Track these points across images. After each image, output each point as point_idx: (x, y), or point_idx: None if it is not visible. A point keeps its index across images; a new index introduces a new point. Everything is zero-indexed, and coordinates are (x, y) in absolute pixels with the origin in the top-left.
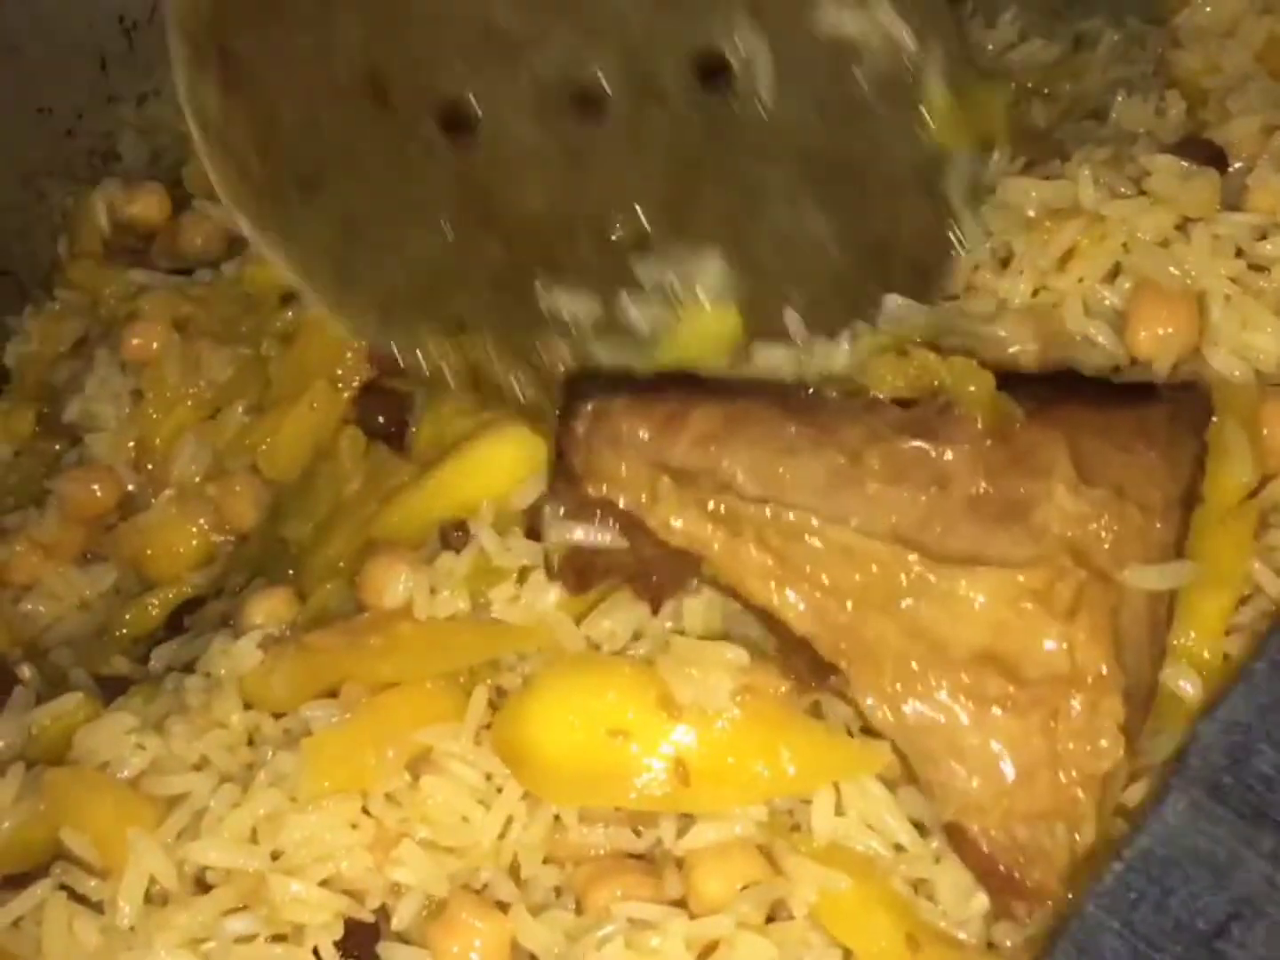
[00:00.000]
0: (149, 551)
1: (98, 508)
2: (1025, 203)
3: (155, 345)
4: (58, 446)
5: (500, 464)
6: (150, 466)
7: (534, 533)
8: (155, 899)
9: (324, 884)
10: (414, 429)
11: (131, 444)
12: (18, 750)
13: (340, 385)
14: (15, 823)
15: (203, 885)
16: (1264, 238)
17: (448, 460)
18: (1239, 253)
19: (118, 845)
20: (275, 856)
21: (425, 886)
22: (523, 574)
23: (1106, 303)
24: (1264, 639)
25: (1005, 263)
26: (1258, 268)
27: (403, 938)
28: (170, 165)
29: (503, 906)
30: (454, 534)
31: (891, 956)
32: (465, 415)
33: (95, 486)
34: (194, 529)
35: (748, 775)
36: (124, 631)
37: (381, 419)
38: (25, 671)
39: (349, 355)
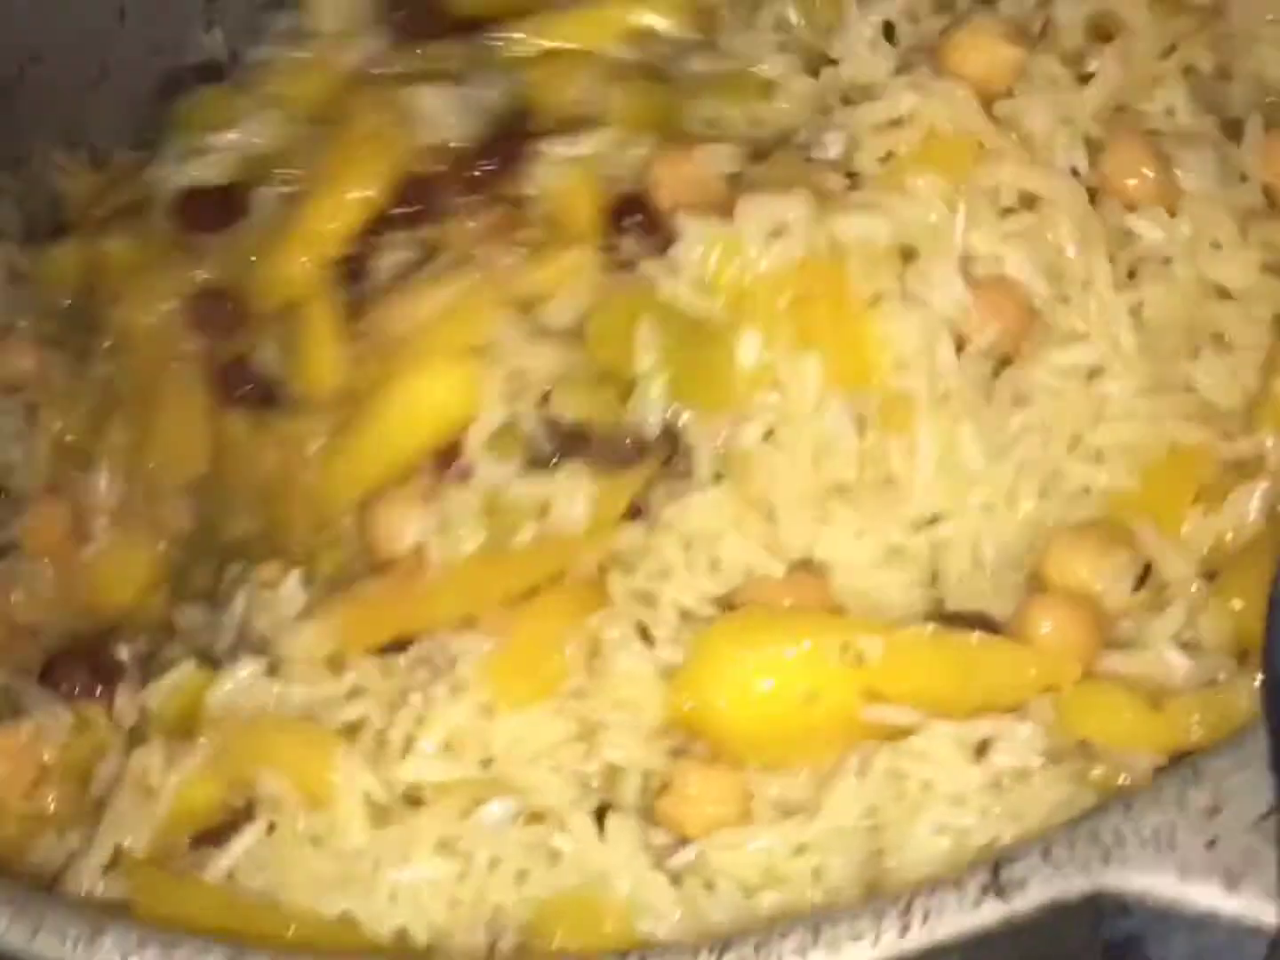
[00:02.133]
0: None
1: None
2: None
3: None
4: None
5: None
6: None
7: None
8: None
9: None
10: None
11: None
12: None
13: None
14: (182, 782)
15: (414, 803)
16: None
17: (375, 412)
18: None
19: (317, 777)
20: (485, 764)
21: (641, 764)
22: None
23: None
24: None
25: None
26: None
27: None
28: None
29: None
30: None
31: (1139, 724)
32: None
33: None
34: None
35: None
36: None
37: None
38: (124, 651)
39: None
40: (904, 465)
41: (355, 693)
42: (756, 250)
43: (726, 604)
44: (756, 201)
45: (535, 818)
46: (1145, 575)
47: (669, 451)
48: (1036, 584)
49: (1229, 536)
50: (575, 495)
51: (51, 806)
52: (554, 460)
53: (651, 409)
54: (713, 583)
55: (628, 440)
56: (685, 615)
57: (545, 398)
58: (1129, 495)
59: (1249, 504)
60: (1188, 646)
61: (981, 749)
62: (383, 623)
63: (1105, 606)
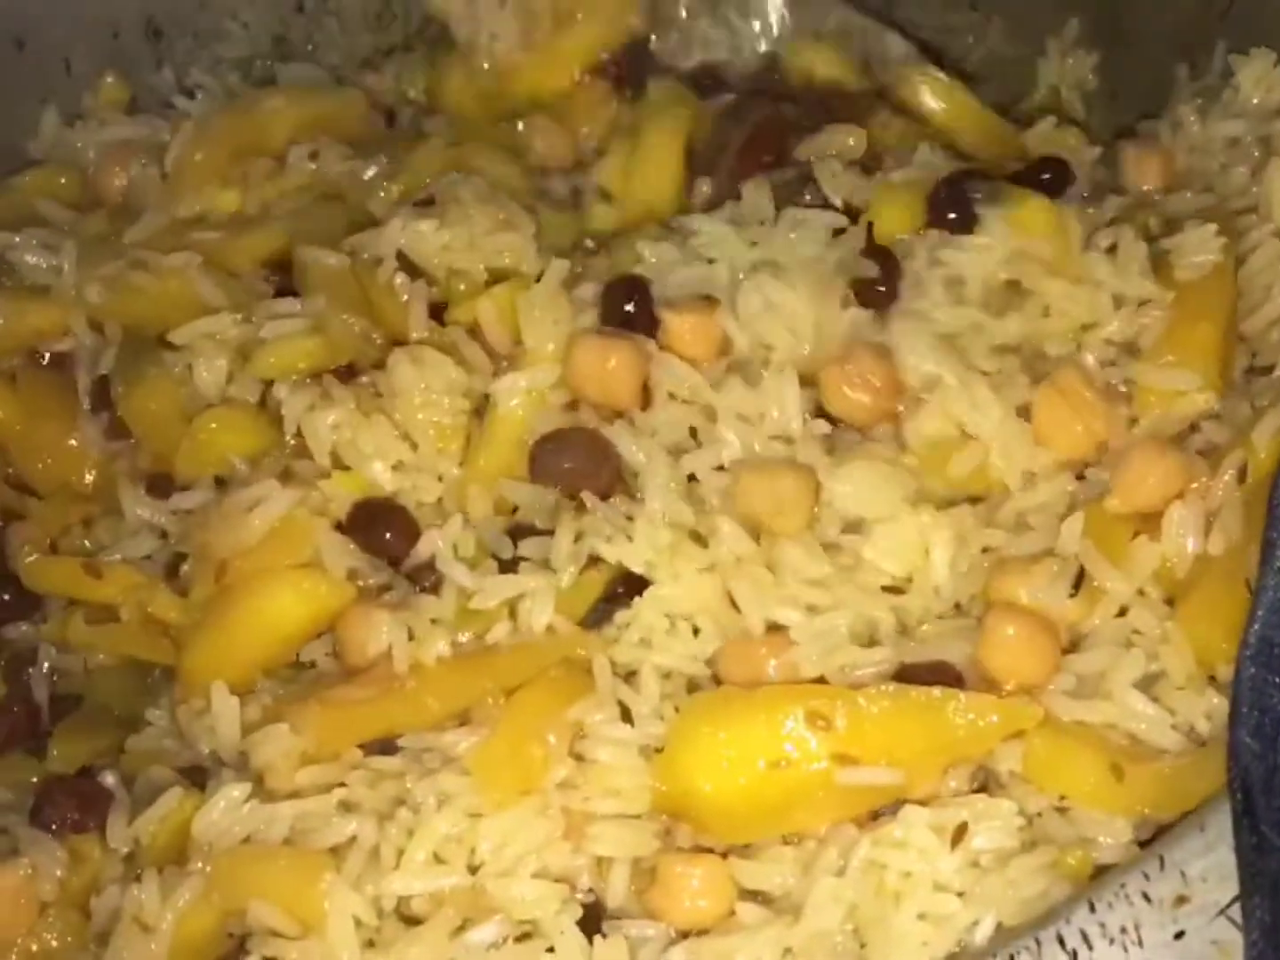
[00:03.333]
0: None
1: None
2: None
3: None
4: None
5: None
6: None
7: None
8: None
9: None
10: None
11: None
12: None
13: None
14: (177, 917)
15: (406, 919)
16: None
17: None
18: None
19: (307, 905)
20: (473, 870)
21: (630, 853)
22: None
23: None
24: None
25: None
26: None
27: (622, 912)
28: None
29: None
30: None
31: (1103, 790)
32: None
33: None
34: None
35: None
36: None
37: None
38: (109, 778)
39: None
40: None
41: (346, 807)
42: None
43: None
44: None
45: (524, 937)
46: (1080, 580)
47: None
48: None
49: (1175, 562)
50: (541, 595)
51: (54, 943)
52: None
53: None
54: (695, 647)
55: None
56: (669, 676)
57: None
58: None
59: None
60: (1151, 679)
61: (959, 833)
62: (356, 726)
63: (1050, 614)
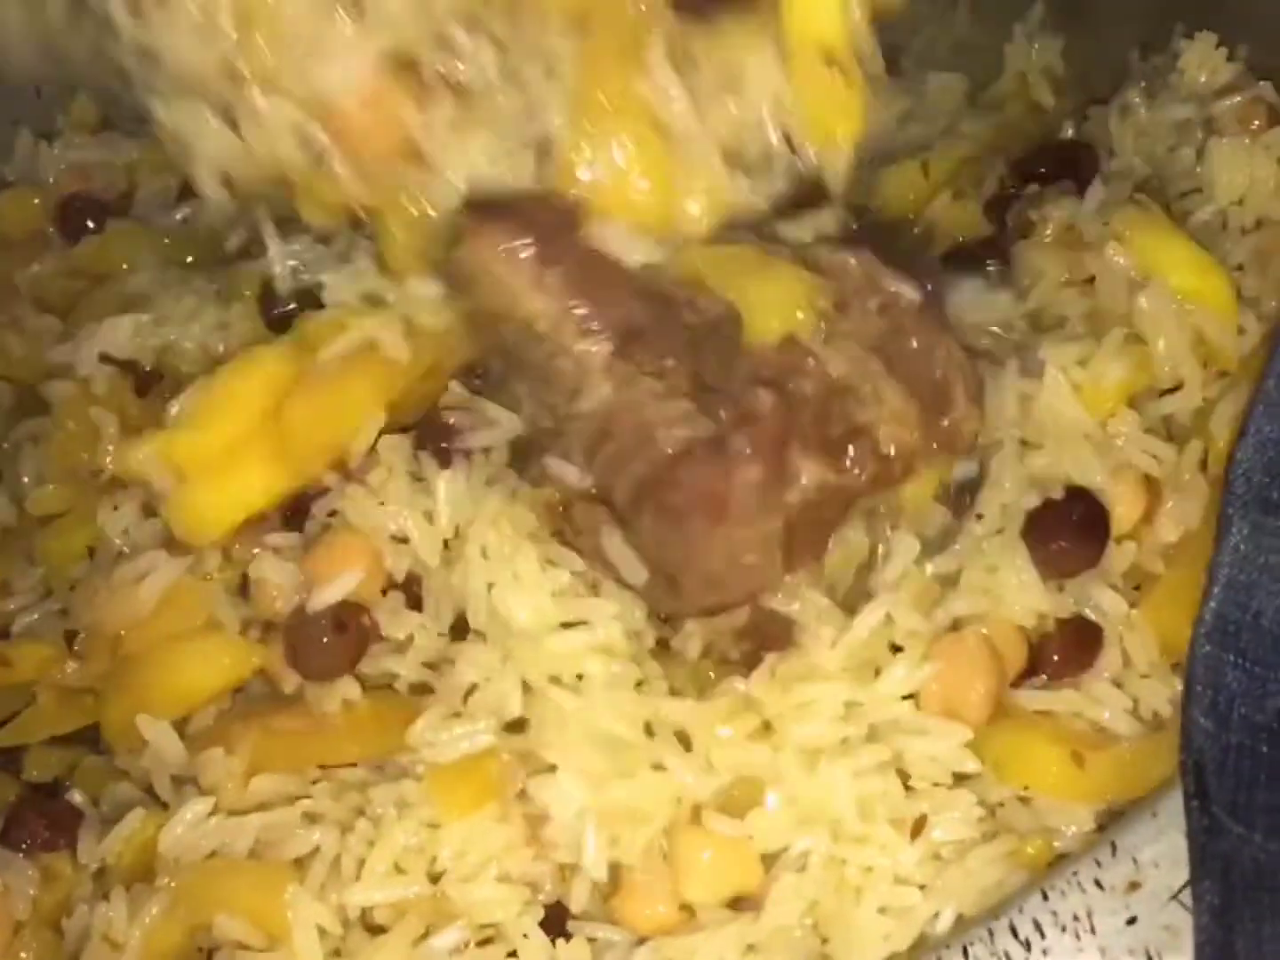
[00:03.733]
0: None
1: None
2: None
3: None
4: None
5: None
6: None
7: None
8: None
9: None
10: None
11: None
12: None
13: None
14: (145, 934)
15: (370, 928)
16: None
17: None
18: None
19: (271, 917)
20: (435, 879)
21: (592, 864)
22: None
23: None
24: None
25: None
26: None
27: (587, 916)
28: None
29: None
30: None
31: (1065, 779)
32: None
33: None
34: None
35: None
36: None
37: None
38: (77, 795)
39: None
40: None
41: (310, 818)
42: None
43: None
44: None
45: (485, 941)
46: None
47: None
48: None
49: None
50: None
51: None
52: None
53: None
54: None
55: None
56: None
57: None
58: None
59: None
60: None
61: (919, 825)
62: (293, 755)
63: None
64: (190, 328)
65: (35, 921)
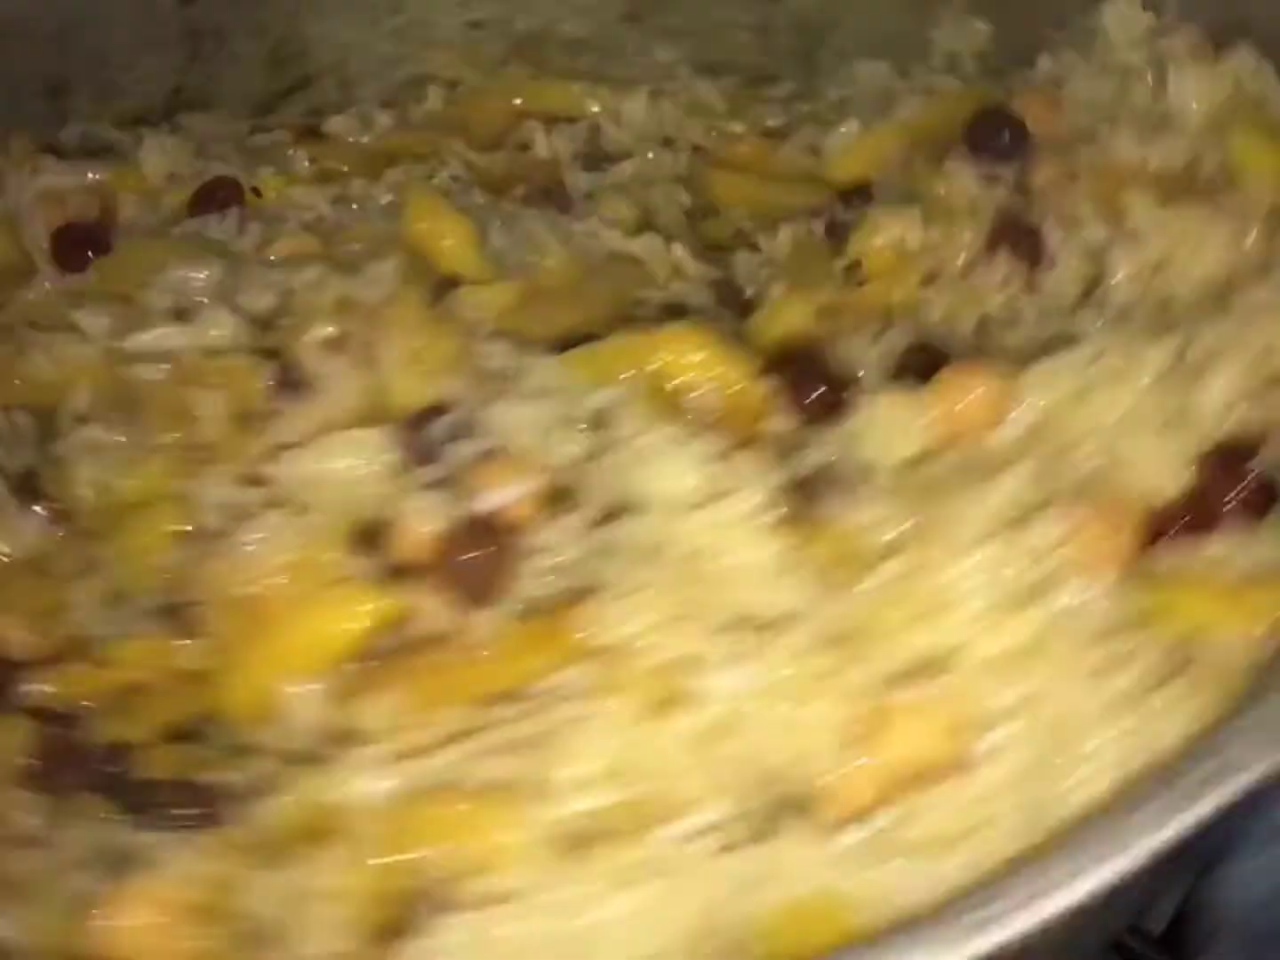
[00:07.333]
0: None
1: None
2: None
3: None
4: None
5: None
6: None
7: None
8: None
9: None
10: None
11: None
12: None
13: None
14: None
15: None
16: None
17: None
18: None
19: (484, 841)
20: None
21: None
22: None
23: None
24: None
25: None
26: None
27: None
28: None
29: None
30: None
31: None
32: None
33: None
34: None
35: None
36: None
37: None
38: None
39: None
40: None
41: (489, 750)
42: None
43: None
44: None
45: (711, 829)
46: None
47: None
48: None
49: None
50: None
51: (209, 943)
52: None
53: None
54: None
55: None
56: None
57: None
58: None
59: None
60: None
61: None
62: (454, 689)
63: None
64: None
65: (208, 905)
